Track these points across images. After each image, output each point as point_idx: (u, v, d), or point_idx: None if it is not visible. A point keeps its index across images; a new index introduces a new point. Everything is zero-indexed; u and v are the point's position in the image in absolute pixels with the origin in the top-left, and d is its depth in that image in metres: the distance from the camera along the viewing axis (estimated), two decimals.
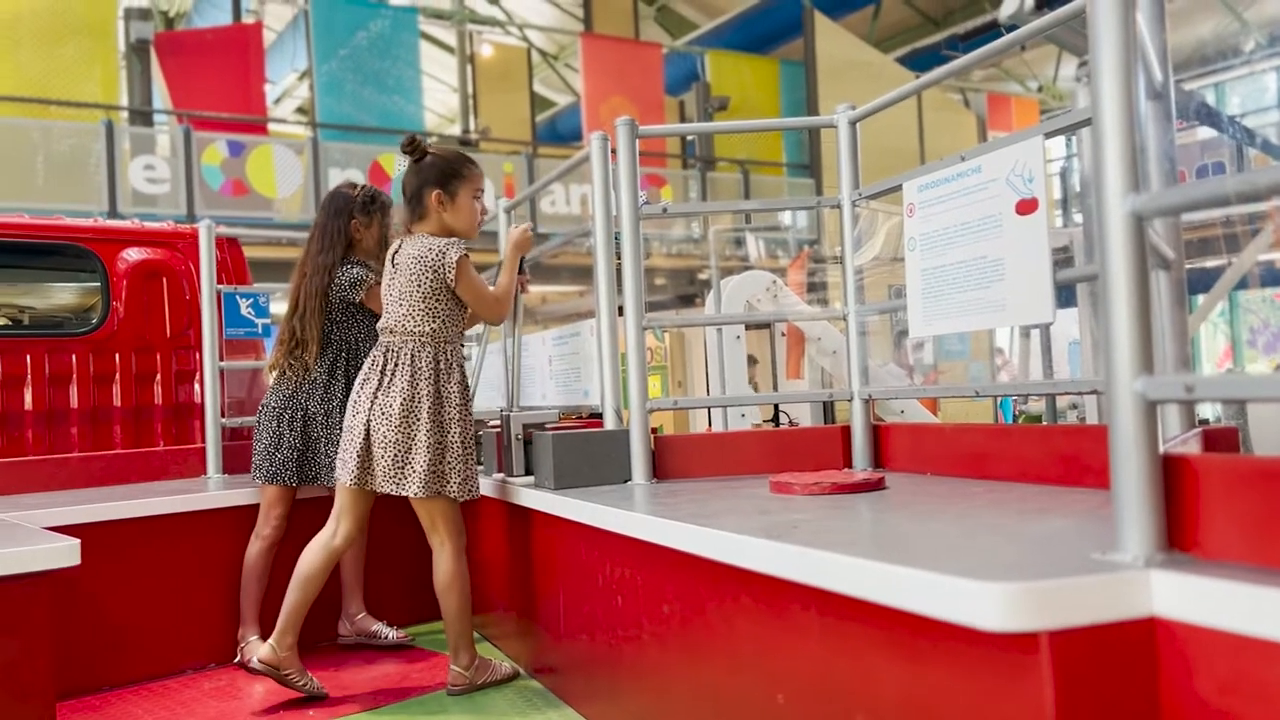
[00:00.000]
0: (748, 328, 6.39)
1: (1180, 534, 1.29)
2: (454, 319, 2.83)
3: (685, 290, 13.87)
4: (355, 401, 2.82)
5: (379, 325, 2.89)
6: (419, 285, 2.76)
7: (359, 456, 2.76)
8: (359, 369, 3.21)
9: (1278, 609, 1.07)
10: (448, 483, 2.76)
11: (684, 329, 10.20)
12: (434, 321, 2.78)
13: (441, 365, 2.79)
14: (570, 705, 2.69)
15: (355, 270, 3.25)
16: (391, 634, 3.46)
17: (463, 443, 2.79)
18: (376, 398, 2.76)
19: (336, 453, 3.09)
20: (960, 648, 1.28)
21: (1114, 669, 1.19)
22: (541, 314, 14.28)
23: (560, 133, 17.18)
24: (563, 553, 2.67)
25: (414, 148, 2.84)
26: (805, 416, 6.38)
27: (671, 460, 2.82)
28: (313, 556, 2.84)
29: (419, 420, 2.74)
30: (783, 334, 6.39)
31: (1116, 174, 1.28)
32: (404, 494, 2.75)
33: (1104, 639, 1.19)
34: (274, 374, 3.32)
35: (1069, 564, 1.28)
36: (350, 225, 3.32)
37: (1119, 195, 1.28)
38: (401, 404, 2.73)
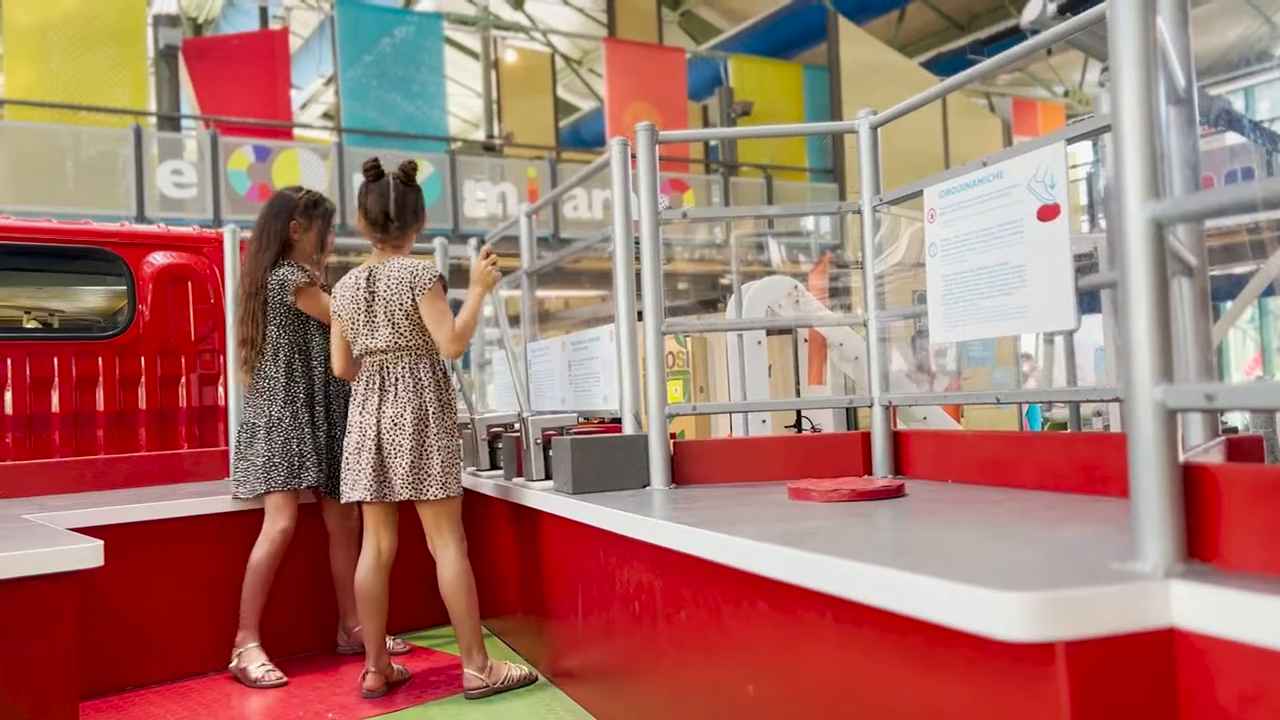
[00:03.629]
0: (769, 333, 6.37)
1: (1201, 544, 1.28)
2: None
3: (707, 295, 13.86)
4: (360, 421, 2.85)
5: (360, 348, 2.89)
6: (401, 305, 2.83)
7: (374, 470, 2.81)
8: (320, 371, 3.31)
9: None
10: (454, 484, 2.87)
11: (706, 334, 10.18)
12: (425, 334, 2.86)
13: (438, 374, 2.90)
14: (588, 710, 2.69)
15: (283, 270, 3.27)
16: (392, 643, 3.45)
17: (460, 445, 2.95)
18: (383, 411, 2.82)
19: (310, 455, 3.22)
20: (976, 657, 1.26)
21: (1131, 680, 1.18)
22: (563, 318, 14.31)
23: (583, 138, 17.23)
24: (580, 557, 2.67)
25: (375, 170, 2.92)
26: (828, 422, 6.36)
27: (690, 465, 2.82)
28: (370, 580, 2.90)
29: (429, 427, 2.83)
30: (805, 340, 6.37)
31: (1136, 180, 1.26)
32: (424, 498, 2.81)
33: (1122, 650, 1.17)
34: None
35: (1087, 574, 1.27)
36: (289, 226, 3.33)
37: (1139, 201, 1.27)
38: (414, 412, 2.80)
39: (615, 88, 13.55)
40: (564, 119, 17.55)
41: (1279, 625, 1.07)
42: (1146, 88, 1.28)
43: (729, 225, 11.08)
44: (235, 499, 3.27)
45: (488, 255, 3.10)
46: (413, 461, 2.79)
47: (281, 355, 3.27)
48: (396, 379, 2.84)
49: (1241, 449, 1.81)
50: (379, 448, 2.81)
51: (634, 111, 12.99)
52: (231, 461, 3.41)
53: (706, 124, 16.02)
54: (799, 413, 6.38)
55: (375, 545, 2.91)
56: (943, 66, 15.34)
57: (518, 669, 2.96)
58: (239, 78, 11.37)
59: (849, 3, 14.43)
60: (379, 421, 2.81)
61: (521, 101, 15.15)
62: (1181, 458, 1.30)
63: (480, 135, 16.35)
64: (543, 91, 15.23)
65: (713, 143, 15.17)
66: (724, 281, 13.03)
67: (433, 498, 2.81)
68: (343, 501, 2.94)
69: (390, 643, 3.44)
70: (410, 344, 2.84)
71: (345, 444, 2.92)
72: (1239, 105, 15.00)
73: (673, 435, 2.93)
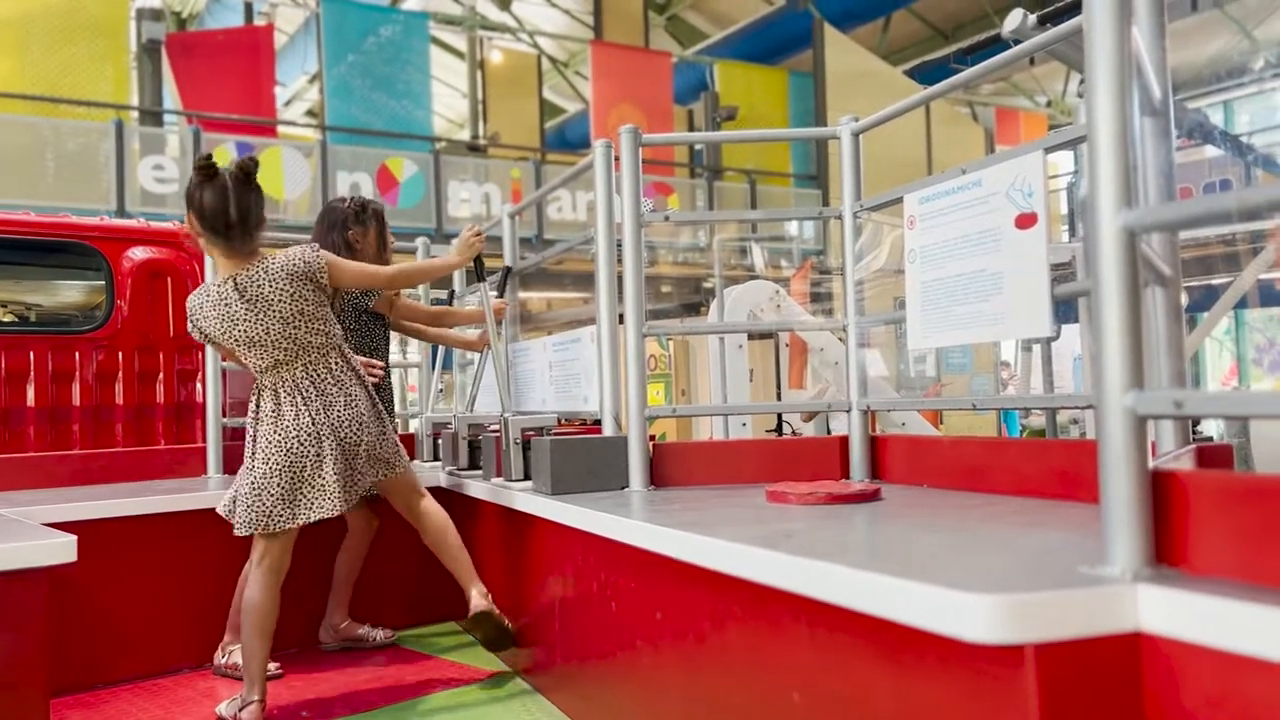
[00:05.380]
0: (751, 337, 6.40)
1: (1169, 549, 1.29)
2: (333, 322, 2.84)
3: (690, 299, 13.89)
4: (309, 431, 2.68)
5: (260, 364, 2.71)
6: (296, 303, 2.65)
7: (340, 479, 2.71)
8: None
9: (1265, 626, 1.07)
10: (403, 454, 2.96)
11: (689, 337, 10.21)
12: (328, 327, 2.77)
13: (354, 363, 2.86)
14: (564, 713, 2.69)
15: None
16: (379, 635, 3.45)
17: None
18: (331, 413, 2.72)
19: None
20: (948, 659, 1.28)
21: (1099, 683, 1.19)
22: (544, 320, 14.29)
23: (569, 140, 17.24)
24: (558, 557, 2.68)
25: (208, 167, 2.63)
26: (808, 426, 6.39)
27: (669, 468, 2.83)
28: (260, 599, 2.71)
29: (378, 411, 2.87)
30: (786, 344, 6.40)
31: (1110, 189, 1.28)
32: (395, 474, 2.89)
33: (1089, 653, 1.19)
34: None
35: (1056, 577, 1.28)
36: (349, 236, 3.39)
37: (1112, 210, 1.28)
38: (365, 401, 2.81)
39: (601, 90, 13.57)
40: (549, 121, 17.55)
41: (1243, 630, 1.09)
42: (1121, 98, 1.29)
43: (712, 229, 11.11)
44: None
45: (476, 232, 3.13)
46: (380, 445, 2.82)
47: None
48: (326, 379, 2.74)
49: (1212, 457, 1.84)
50: (342, 452, 2.72)
51: (619, 114, 13.01)
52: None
53: (692, 128, 16.06)
54: (779, 416, 6.41)
55: (279, 570, 2.73)
56: (927, 75, 15.42)
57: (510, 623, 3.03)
58: (223, 74, 11.32)
59: (834, 10, 14.50)
60: (330, 426, 2.70)
61: (507, 102, 15.16)
62: (1152, 465, 1.32)
63: (465, 135, 16.32)
64: (528, 93, 15.24)
65: (697, 147, 15.21)
66: (707, 285, 13.07)
67: (401, 471, 2.90)
68: (303, 522, 2.71)
69: (378, 634, 3.47)
70: (317, 343, 2.72)
71: (269, 466, 2.66)
72: (1218, 118, 15.16)
73: (652, 437, 2.94)
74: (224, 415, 3.83)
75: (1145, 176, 1.72)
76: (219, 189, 2.59)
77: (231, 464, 3.80)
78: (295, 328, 2.67)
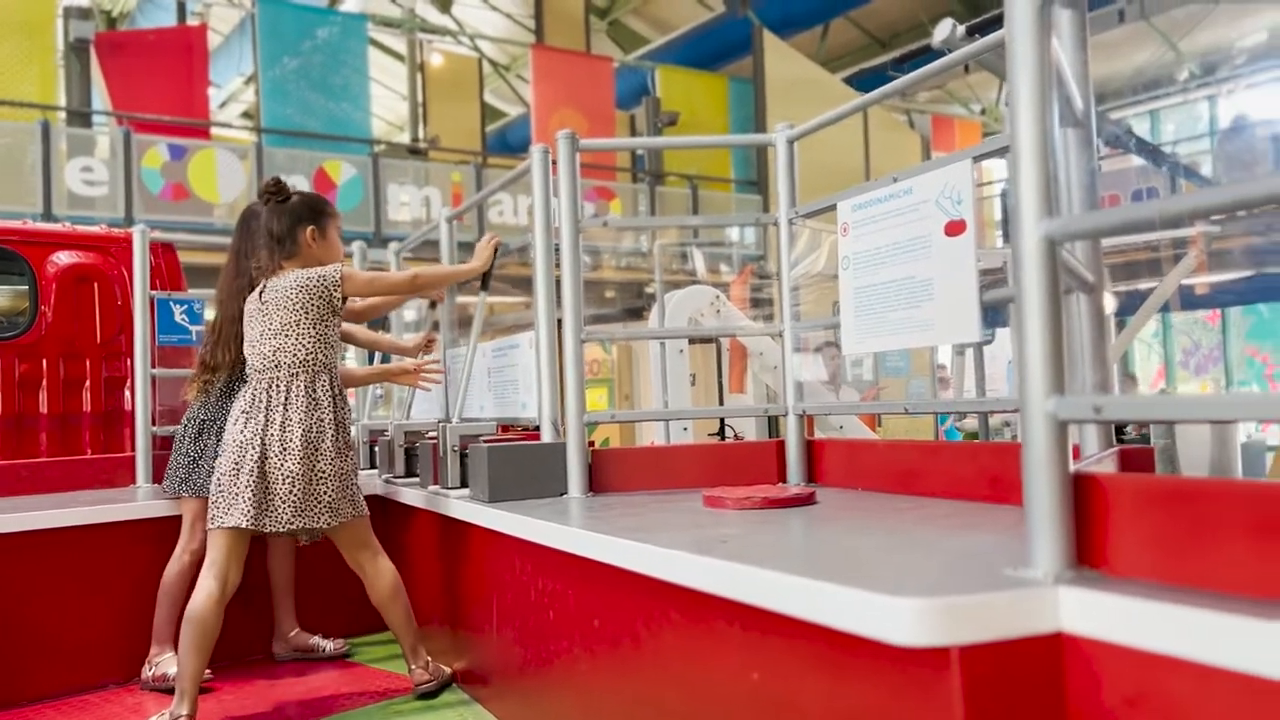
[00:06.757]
0: (692, 342, 6.42)
1: (1090, 551, 1.32)
2: (336, 345, 2.84)
3: (634, 304, 13.89)
4: (241, 439, 2.69)
5: (256, 362, 2.78)
6: (306, 314, 2.74)
7: (255, 495, 2.65)
8: None
9: (1179, 626, 1.10)
10: (358, 504, 2.82)
11: (632, 343, 10.21)
12: (326, 349, 2.78)
13: (336, 391, 2.79)
14: (500, 719, 2.67)
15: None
16: (329, 645, 3.41)
17: (355, 462, 2.87)
18: (268, 431, 2.68)
19: None
20: (876, 663, 1.29)
21: (1022, 683, 1.21)
22: (487, 325, 14.18)
23: (510, 143, 17.15)
24: (495, 565, 2.66)
25: (280, 190, 2.87)
26: (750, 431, 6.43)
27: (609, 474, 2.82)
28: (214, 617, 2.66)
29: (322, 449, 2.72)
30: (727, 349, 6.43)
31: (1031, 198, 1.31)
32: (336, 522, 2.74)
33: (1013, 654, 1.21)
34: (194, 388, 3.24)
35: (981, 580, 1.30)
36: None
37: (1033, 219, 1.31)
38: (303, 434, 2.69)
39: (542, 94, 13.52)
40: (491, 124, 17.43)
41: (1159, 630, 1.11)
42: (1042, 109, 1.32)
43: (654, 234, 11.14)
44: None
45: (494, 244, 3.13)
46: (304, 488, 2.68)
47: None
48: (289, 396, 2.71)
49: (1134, 460, 1.88)
50: (263, 471, 2.66)
51: (561, 118, 12.98)
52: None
53: (634, 133, 16.06)
54: (722, 420, 6.44)
55: (224, 578, 2.68)
56: (865, 83, 15.62)
57: (448, 667, 2.99)
58: (154, 74, 11.06)
59: (774, 17, 14.62)
60: (264, 442, 2.67)
61: (448, 105, 15.03)
62: (1075, 468, 1.35)
63: (405, 138, 16.16)
64: (469, 96, 15.13)
65: (639, 152, 15.24)
66: (649, 290, 13.09)
67: (342, 520, 2.75)
68: (215, 527, 2.70)
69: (329, 645, 3.43)
70: (308, 359, 2.74)
71: (219, 463, 2.75)
72: (1145, 128, 15.60)
73: (592, 443, 2.93)
74: (154, 423, 3.74)
75: (1070, 186, 1.76)
76: (278, 210, 2.86)
77: (161, 474, 3.71)
78: (282, 337, 2.73)
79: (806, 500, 2.31)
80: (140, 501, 3.33)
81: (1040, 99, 1.32)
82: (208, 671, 2.98)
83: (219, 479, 2.72)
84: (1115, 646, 1.17)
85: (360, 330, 3.75)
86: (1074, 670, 1.22)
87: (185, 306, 3.91)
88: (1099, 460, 1.68)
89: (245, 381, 2.86)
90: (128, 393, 4.07)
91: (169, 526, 3.19)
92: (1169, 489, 1.28)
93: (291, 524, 2.68)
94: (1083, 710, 1.21)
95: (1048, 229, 1.30)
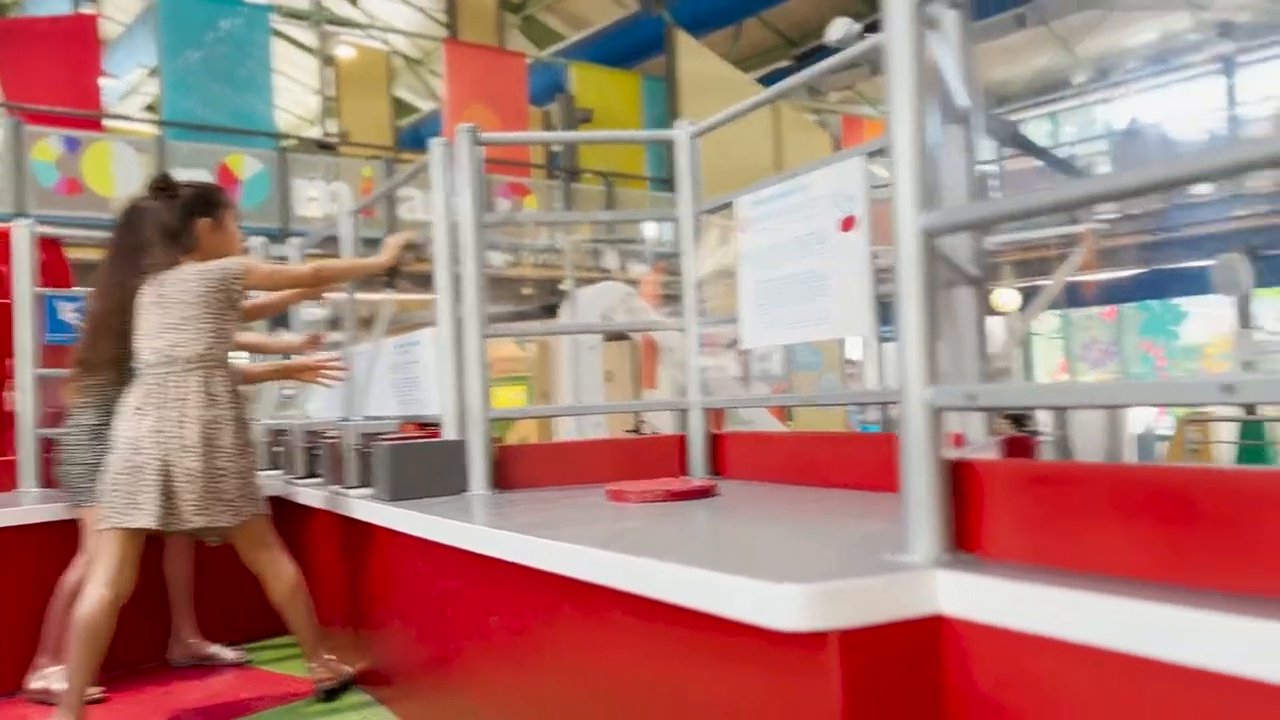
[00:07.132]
0: (607, 338, 6.43)
1: (967, 535, 1.36)
2: (233, 341, 2.77)
3: (550, 300, 13.84)
4: (134, 436, 2.58)
5: (148, 357, 2.66)
6: (207, 307, 2.64)
7: (160, 494, 2.54)
8: None
9: (1047, 607, 1.14)
10: (259, 502, 2.74)
11: (549, 339, 10.16)
12: (223, 345, 2.69)
13: (233, 387, 2.70)
14: (402, 719, 2.64)
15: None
16: (229, 654, 3.32)
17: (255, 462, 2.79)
18: (163, 428, 2.57)
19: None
20: (762, 648, 1.31)
21: (901, 665, 1.24)
22: (396, 322, 13.99)
23: (424, 139, 16.84)
24: (396, 565, 2.62)
25: (168, 185, 2.79)
26: (666, 425, 6.47)
27: (514, 470, 2.80)
28: (108, 621, 2.55)
29: (222, 446, 2.61)
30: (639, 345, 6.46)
31: (908, 192, 1.34)
32: (235, 522, 2.64)
33: (892, 636, 1.24)
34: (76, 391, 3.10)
35: (862, 565, 1.33)
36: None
37: (911, 213, 1.34)
38: (201, 431, 2.58)
39: (455, 90, 13.36)
40: (404, 119, 17.18)
41: (1025, 610, 1.15)
42: (919, 106, 1.35)
43: (566, 231, 11.12)
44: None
45: (410, 245, 3.05)
46: (205, 485, 2.57)
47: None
48: (185, 393, 2.60)
49: (1016, 447, 1.94)
50: (165, 470, 2.55)
51: (473, 114, 12.84)
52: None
53: (549, 129, 15.98)
54: (636, 415, 6.47)
55: (118, 583, 2.57)
56: (777, 81, 15.82)
57: (348, 666, 2.94)
58: (47, 63, 10.62)
59: (687, 16, 14.70)
60: (161, 439, 2.56)
61: (359, 100, 14.77)
62: (955, 455, 1.39)
63: (316, 133, 15.84)
64: (380, 91, 14.89)
65: (555, 148, 15.18)
66: (563, 287, 13.05)
67: (244, 519, 2.65)
68: (110, 527, 2.58)
69: (229, 653, 3.33)
70: (207, 354, 2.64)
71: (110, 460, 2.62)
72: (1045, 129, 16.13)
73: (498, 440, 2.91)
74: (39, 425, 3.60)
75: (954, 182, 1.81)
76: (169, 205, 2.75)
77: (48, 477, 3.57)
78: (180, 331, 2.62)
79: (708, 493, 2.33)
80: (25, 506, 3.20)
81: (918, 95, 1.35)
82: (101, 690, 2.90)
83: (113, 477, 2.59)
84: (987, 627, 1.21)
85: (243, 335, 3.64)
86: (950, 651, 1.25)
87: (75, 304, 3.77)
88: (982, 449, 1.73)
89: (131, 380, 2.74)
90: (10, 394, 3.89)
91: (57, 532, 3.06)
92: (1040, 474, 1.32)
93: (193, 523, 2.58)
94: (958, 689, 1.25)
95: (925, 222, 1.34)
